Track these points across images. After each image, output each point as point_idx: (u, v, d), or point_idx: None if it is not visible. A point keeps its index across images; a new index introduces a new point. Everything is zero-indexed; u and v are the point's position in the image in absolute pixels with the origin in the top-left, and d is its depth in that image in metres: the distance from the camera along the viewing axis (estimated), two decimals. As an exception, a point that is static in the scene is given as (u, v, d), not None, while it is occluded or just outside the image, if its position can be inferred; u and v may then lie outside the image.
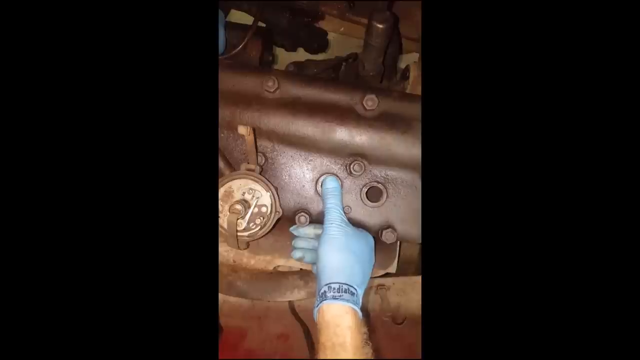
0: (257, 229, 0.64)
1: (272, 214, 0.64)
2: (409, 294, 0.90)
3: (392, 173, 0.71)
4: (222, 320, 0.81)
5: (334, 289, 0.55)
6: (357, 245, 0.61)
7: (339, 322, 0.53)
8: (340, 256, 0.58)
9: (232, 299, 0.80)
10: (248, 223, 0.64)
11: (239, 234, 0.63)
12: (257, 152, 0.66)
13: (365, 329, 0.55)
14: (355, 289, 0.56)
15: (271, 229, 0.65)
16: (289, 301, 0.84)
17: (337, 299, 0.54)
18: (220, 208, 0.63)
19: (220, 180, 0.64)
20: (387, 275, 0.79)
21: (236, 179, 0.64)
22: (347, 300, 0.54)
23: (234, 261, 0.76)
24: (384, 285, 0.89)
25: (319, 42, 1.07)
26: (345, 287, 0.55)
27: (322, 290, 0.56)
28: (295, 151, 0.71)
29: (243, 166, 0.65)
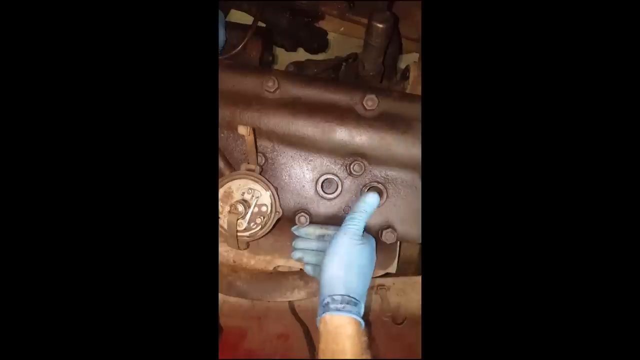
0: (258, 228, 0.64)
1: (272, 214, 0.64)
2: (409, 294, 0.90)
3: (392, 173, 0.71)
4: (222, 321, 0.81)
5: (337, 300, 0.56)
6: (363, 257, 0.61)
7: (340, 331, 0.54)
8: (346, 269, 0.58)
9: (232, 299, 0.80)
10: (249, 223, 0.63)
11: (239, 234, 0.63)
12: (257, 152, 0.66)
13: (365, 338, 0.56)
14: (358, 300, 0.57)
15: (271, 229, 0.65)
16: (289, 301, 0.84)
17: (340, 310, 0.55)
18: (220, 209, 0.63)
19: (220, 180, 0.64)
20: (387, 275, 0.79)
21: (236, 179, 0.64)
22: (350, 312, 0.55)
23: (234, 261, 0.76)
24: (384, 285, 0.89)
25: (319, 42, 1.07)
26: (347, 298, 0.56)
27: (325, 301, 0.57)
28: (295, 151, 0.71)
29: (243, 166, 0.65)
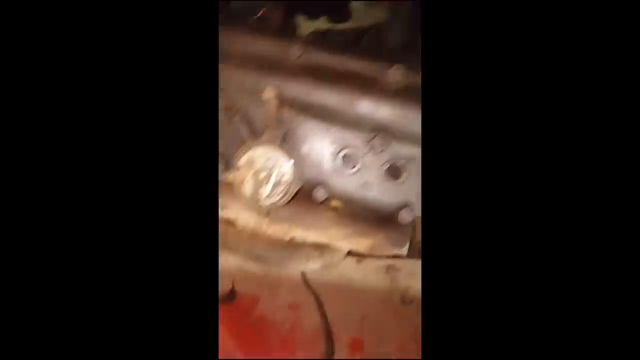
0: (279, 197, 0.64)
1: (293, 184, 0.64)
2: (419, 276, 0.90)
3: (414, 150, 0.70)
4: (237, 287, 0.84)
5: None
6: None
7: None
8: None
9: (247, 267, 0.82)
10: (270, 190, 0.64)
11: (260, 201, 0.63)
12: (279, 120, 0.65)
13: None
14: None
15: (291, 199, 0.65)
16: (302, 272, 0.85)
17: None
18: (242, 176, 0.63)
19: (243, 147, 0.63)
20: (398, 256, 0.79)
21: (259, 146, 0.64)
22: None
23: (253, 229, 0.76)
24: (394, 266, 0.90)
25: (341, 11, 1.03)
26: None
27: None
28: (315, 123, 0.70)
29: (266, 134, 0.64)
